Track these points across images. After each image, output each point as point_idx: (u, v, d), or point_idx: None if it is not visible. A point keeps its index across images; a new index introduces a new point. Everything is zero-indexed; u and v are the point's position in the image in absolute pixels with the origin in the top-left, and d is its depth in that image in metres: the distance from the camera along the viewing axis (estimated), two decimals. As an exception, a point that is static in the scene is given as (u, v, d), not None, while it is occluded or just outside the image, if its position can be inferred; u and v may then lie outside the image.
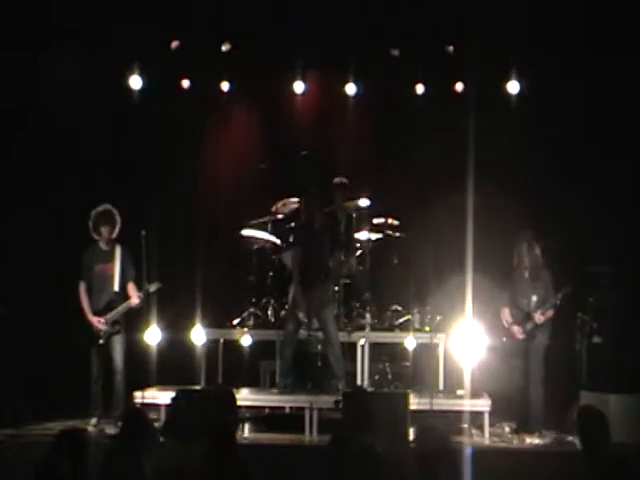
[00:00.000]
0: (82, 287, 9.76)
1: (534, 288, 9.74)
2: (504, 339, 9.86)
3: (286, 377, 10.23)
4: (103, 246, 9.80)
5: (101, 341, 9.64)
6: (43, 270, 10.80)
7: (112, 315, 9.69)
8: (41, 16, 10.74)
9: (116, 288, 9.73)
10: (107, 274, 9.75)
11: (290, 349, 10.28)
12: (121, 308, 9.72)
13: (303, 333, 10.29)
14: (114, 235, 9.77)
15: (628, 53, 10.61)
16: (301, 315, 10.15)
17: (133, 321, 10.01)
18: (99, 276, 9.77)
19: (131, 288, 9.79)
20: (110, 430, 9.16)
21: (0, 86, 10.49)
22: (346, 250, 10.78)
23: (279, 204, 11.31)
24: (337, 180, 11.08)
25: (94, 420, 9.52)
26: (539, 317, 9.62)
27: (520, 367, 9.75)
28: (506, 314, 9.84)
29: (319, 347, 10.43)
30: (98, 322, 9.63)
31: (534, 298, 9.72)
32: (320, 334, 10.30)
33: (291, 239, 10.74)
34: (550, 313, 9.67)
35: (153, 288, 9.76)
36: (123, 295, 9.77)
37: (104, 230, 9.70)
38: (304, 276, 10.19)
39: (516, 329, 9.72)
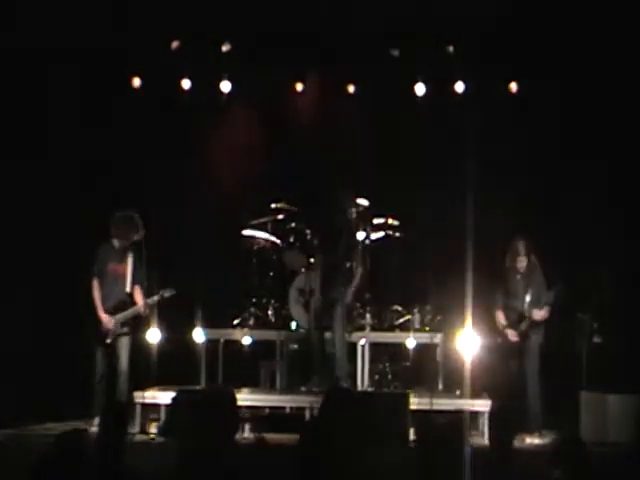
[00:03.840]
0: (95, 283, 9.70)
1: (527, 288, 9.75)
2: (499, 340, 9.88)
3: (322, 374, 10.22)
4: (117, 245, 9.78)
5: (108, 340, 9.64)
6: (47, 269, 10.79)
7: (120, 317, 9.67)
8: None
9: (128, 289, 9.72)
10: (119, 274, 9.72)
11: (319, 354, 10.27)
12: (129, 312, 9.70)
13: (303, 333, 10.28)
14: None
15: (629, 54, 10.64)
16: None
17: (133, 321, 10.01)
18: (111, 275, 9.73)
19: (138, 293, 9.77)
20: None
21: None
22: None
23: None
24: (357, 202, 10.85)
25: (97, 420, 9.50)
26: (537, 313, 9.61)
27: (517, 367, 9.76)
28: (500, 317, 9.85)
29: (322, 346, 10.41)
30: (107, 320, 9.63)
31: (527, 297, 9.73)
32: (326, 333, 10.29)
33: (317, 244, 10.71)
34: (546, 311, 9.66)
35: (167, 294, 9.75)
36: (133, 296, 9.77)
37: (128, 236, 9.64)
38: (323, 282, 10.22)
39: (510, 332, 9.74)
